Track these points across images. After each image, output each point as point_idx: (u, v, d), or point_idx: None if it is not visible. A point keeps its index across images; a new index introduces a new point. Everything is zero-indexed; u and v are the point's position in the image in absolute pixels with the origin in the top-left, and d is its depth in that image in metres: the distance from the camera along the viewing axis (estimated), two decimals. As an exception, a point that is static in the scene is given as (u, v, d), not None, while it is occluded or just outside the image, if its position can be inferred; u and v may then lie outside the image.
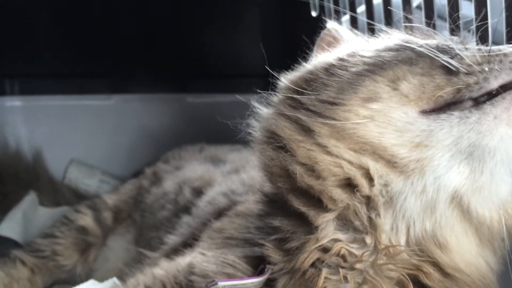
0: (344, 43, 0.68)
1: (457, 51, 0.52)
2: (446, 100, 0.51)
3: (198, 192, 0.97)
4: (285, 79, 0.61)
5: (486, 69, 0.50)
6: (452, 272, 0.52)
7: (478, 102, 0.50)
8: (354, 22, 1.11)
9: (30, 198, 1.30)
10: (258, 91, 0.61)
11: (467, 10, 0.78)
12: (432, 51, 0.52)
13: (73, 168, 1.48)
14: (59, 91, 1.50)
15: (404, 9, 0.92)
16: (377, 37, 0.63)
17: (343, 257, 0.52)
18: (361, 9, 1.10)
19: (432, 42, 0.57)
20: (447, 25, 0.78)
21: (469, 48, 0.54)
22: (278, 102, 0.59)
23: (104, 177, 1.49)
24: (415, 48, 0.54)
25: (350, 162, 0.52)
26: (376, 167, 0.51)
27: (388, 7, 0.92)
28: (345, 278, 0.52)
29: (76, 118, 1.49)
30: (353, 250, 0.52)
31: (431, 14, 0.84)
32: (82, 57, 1.49)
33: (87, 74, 1.52)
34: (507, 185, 0.53)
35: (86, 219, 1.17)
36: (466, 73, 0.51)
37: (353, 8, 1.11)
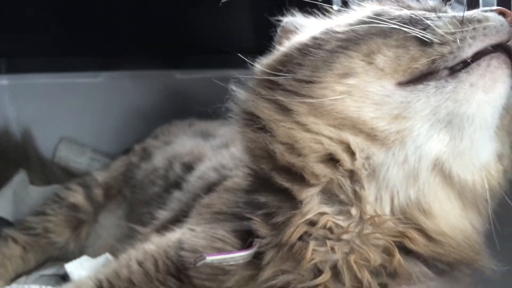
0: (304, 30, 0.67)
1: (429, 23, 0.52)
2: (422, 71, 0.51)
3: (188, 167, 0.97)
4: (261, 63, 0.61)
5: (459, 37, 0.50)
6: (437, 237, 0.53)
7: (454, 70, 0.51)
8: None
9: (20, 177, 1.30)
10: (250, 63, 0.61)
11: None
12: (402, 25, 0.52)
13: (63, 146, 1.48)
14: (46, 69, 1.48)
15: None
16: (350, 11, 0.63)
17: (330, 229, 0.53)
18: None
19: (405, 13, 0.56)
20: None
21: (442, 17, 0.53)
22: (255, 84, 0.59)
23: (94, 154, 1.48)
24: (386, 22, 0.53)
25: (330, 138, 0.52)
26: (356, 141, 0.52)
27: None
28: (332, 249, 0.53)
29: (64, 96, 1.48)
30: (339, 222, 0.53)
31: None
32: (70, 34, 1.47)
33: (75, 51, 1.50)
34: (487, 149, 0.54)
35: (77, 196, 1.17)
36: (440, 43, 0.51)
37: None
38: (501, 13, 0.52)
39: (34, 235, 1.11)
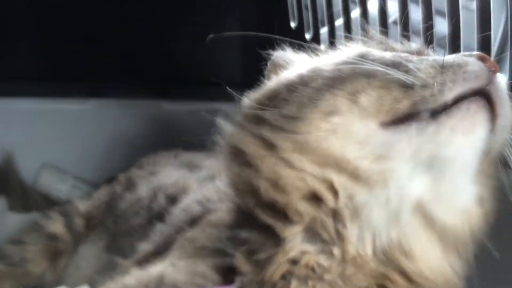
0: (293, 65, 0.69)
1: (410, 66, 0.53)
2: (404, 112, 0.51)
3: (172, 199, 0.97)
4: (249, 97, 0.61)
5: (440, 81, 0.51)
6: (418, 279, 0.53)
7: (435, 113, 0.51)
8: (332, 35, 1.13)
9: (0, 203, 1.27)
10: (238, 96, 0.62)
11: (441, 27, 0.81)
12: (385, 67, 0.53)
13: (45, 172, 1.45)
14: (32, 94, 1.46)
15: (382, 24, 0.94)
16: (337, 50, 0.65)
17: (312, 268, 0.53)
18: (339, 22, 1.12)
19: (388, 55, 0.58)
20: (421, 39, 0.80)
21: (423, 60, 0.55)
22: (242, 118, 0.59)
23: (76, 182, 1.46)
24: (370, 64, 0.54)
25: (314, 176, 0.52)
26: (340, 180, 0.52)
27: (365, 22, 0.94)
28: None
29: (49, 122, 1.46)
30: (322, 261, 0.53)
31: (407, 28, 0.85)
32: (58, 60, 1.46)
33: (62, 77, 1.49)
34: (468, 193, 0.54)
35: (56, 225, 1.15)
36: (421, 86, 0.51)
37: (331, 20, 1.13)
38: (481, 59, 0.54)
39: (11, 264, 1.08)
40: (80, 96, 1.49)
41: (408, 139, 0.51)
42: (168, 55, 1.52)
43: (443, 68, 0.52)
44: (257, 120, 0.57)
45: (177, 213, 0.89)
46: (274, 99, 0.57)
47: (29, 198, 1.37)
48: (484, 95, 0.51)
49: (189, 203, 0.89)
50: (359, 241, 0.53)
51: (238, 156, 0.56)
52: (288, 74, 0.62)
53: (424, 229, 0.53)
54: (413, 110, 0.51)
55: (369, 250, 0.53)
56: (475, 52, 0.55)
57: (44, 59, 1.47)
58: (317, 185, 0.52)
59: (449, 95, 0.51)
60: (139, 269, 0.71)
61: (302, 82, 0.57)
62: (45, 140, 1.45)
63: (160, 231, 0.88)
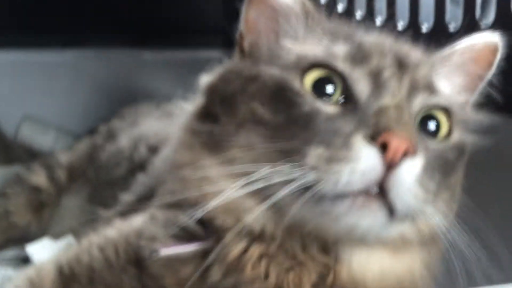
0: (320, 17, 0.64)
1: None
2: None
3: (154, 149, 0.96)
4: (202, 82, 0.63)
5: (325, 174, 0.47)
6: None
7: (325, 197, 0.48)
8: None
9: (-19, 157, 1.26)
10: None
11: None
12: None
13: (26, 125, 1.43)
14: (8, 46, 1.42)
15: None
16: None
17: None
18: None
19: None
20: None
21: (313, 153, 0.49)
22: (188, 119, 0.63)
23: (58, 134, 1.44)
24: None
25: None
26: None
27: None
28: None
29: (28, 74, 1.44)
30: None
31: None
32: (33, 10, 1.42)
33: (38, 28, 1.44)
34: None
35: (39, 178, 1.14)
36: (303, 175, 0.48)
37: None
38: (383, 145, 0.46)
39: (-5, 216, 1.08)
40: (57, 47, 1.46)
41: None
42: (147, 3, 1.47)
43: (330, 161, 0.47)
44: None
45: (159, 163, 0.89)
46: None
47: (11, 151, 1.36)
48: (380, 189, 0.46)
49: (170, 153, 0.89)
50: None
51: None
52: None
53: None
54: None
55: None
56: (382, 135, 0.46)
57: (18, 9, 1.42)
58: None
59: (335, 189, 0.47)
60: (120, 220, 0.72)
61: None
62: (24, 93, 1.43)
63: (141, 181, 0.88)
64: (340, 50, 0.54)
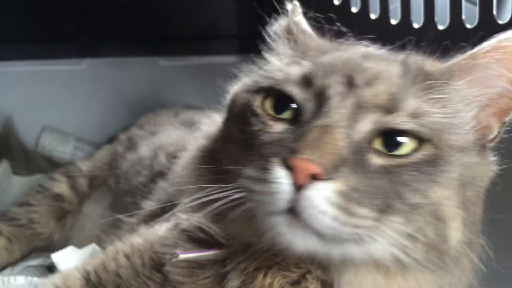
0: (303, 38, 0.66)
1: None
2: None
3: (173, 156, 0.97)
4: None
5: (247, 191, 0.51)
6: None
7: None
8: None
9: (3, 167, 1.28)
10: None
11: None
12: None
13: (46, 135, 1.45)
14: (27, 57, 1.45)
15: None
16: None
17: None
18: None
19: None
20: None
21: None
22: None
23: (78, 143, 1.46)
24: None
25: None
26: None
27: None
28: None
29: (46, 84, 1.45)
30: None
31: None
32: (50, 21, 1.44)
33: (55, 38, 1.47)
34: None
35: (61, 186, 1.16)
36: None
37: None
38: (293, 169, 0.46)
39: (19, 226, 1.10)
40: (74, 56, 1.47)
41: None
42: (162, 10, 1.48)
43: (254, 181, 0.49)
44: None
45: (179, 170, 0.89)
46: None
47: (31, 161, 1.38)
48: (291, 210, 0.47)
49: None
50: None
51: None
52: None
53: None
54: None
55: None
56: (291, 161, 0.47)
57: (35, 20, 1.44)
58: None
59: (262, 208, 0.49)
60: (146, 227, 0.73)
61: None
62: (42, 103, 1.45)
63: (163, 188, 0.89)
64: (294, 72, 0.55)
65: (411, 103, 0.51)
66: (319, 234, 0.48)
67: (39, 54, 1.45)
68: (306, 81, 0.53)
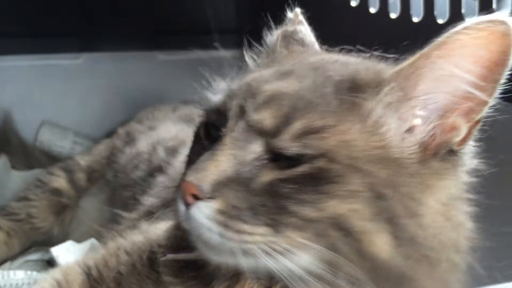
0: (306, 49, 0.66)
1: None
2: None
3: (172, 151, 0.97)
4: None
5: None
6: None
7: None
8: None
9: (2, 162, 1.28)
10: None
11: None
12: None
13: (45, 130, 1.45)
14: (26, 51, 1.45)
15: None
16: None
17: None
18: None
19: None
20: None
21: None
22: None
23: (77, 138, 1.46)
24: None
25: None
26: None
27: None
28: None
29: (44, 78, 1.45)
30: None
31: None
32: (48, 15, 1.44)
33: (54, 32, 1.46)
34: None
35: (59, 181, 1.16)
36: None
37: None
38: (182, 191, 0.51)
39: (18, 220, 1.10)
40: (73, 51, 1.47)
41: None
42: (161, 4, 1.48)
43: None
44: None
45: (179, 165, 0.90)
46: None
47: (30, 156, 1.38)
48: None
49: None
50: None
51: None
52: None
53: None
54: None
55: None
56: (181, 183, 0.52)
57: (34, 14, 1.44)
58: None
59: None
60: (147, 224, 0.73)
61: None
62: (41, 97, 1.45)
63: (162, 182, 0.89)
64: (214, 99, 0.58)
65: (298, 124, 0.50)
66: (215, 249, 0.51)
67: (37, 49, 1.45)
68: (222, 109, 0.56)
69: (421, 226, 0.51)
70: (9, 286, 0.90)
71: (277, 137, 0.50)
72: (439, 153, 0.53)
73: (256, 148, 0.51)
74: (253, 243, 0.49)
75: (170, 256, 0.59)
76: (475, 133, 0.55)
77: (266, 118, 0.52)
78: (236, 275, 0.54)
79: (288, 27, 0.69)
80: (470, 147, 0.56)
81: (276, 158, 0.51)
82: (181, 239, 0.60)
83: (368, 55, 0.62)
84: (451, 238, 0.54)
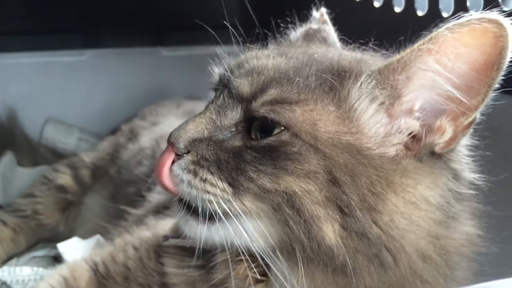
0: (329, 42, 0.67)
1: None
2: None
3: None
4: None
5: None
6: None
7: None
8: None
9: (8, 159, 1.29)
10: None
11: None
12: None
13: (50, 127, 1.46)
14: (30, 48, 1.45)
15: None
16: None
17: None
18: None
19: None
20: None
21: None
22: None
23: (82, 135, 1.47)
24: None
25: None
26: None
27: None
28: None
29: (49, 75, 1.45)
30: None
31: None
32: (53, 13, 1.44)
33: (57, 29, 1.46)
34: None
35: (64, 177, 1.16)
36: None
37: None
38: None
39: (24, 217, 1.11)
40: (76, 48, 1.47)
41: None
42: (164, 0, 1.47)
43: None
44: None
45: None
46: None
47: (36, 153, 1.38)
48: None
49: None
50: None
51: None
52: None
53: None
54: None
55: None
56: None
57: (38, 11, 1.44)
58: None
59: None
60: (155, 219, 0.75)
61: None
62: (46, 94, 1.45)
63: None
64: (216, 70, 0.63)
65: (272, 91, 0.53)
66: (189, 208, 0.55)
67: (42, 46, 1.45)
68: (218, 80, 0.61)
69: (377, 223, 0.50)
70: (16, 282, 0.91)
71: (252, 103, 0.54)
72: (420, 153, 0.52)
73: (235, 115, 0.55)
74: (214, 195, 0.52)
75: (172, 240, 0.60)
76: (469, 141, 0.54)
77: (245, 84, 0.55)
78: (234, 263, 0.56)
79: (312, 25, 0.71)
80: (461, 154, 0.54)
81: (249, 130, 0.54)
82: None
83: (381, 52, 0.62)
84: (416, 245, 0.51)
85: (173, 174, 0.54)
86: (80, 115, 1.47)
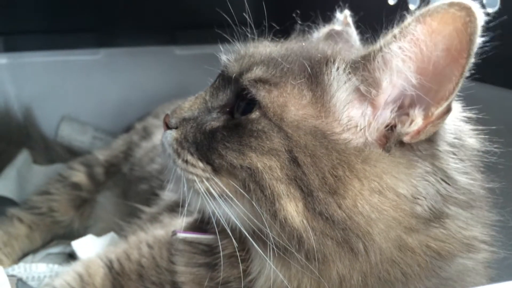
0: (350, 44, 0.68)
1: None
2: None
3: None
4: None
5: None
6: None
7: None
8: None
9: (23, 156, 1.30)
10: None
11: None
12: None
13: (65, 125, 1.47)
14: (45, 47, 1.46)
15: None
16: None
17: None
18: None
19: None
20: None
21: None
22: None
23: (96, 133, 1.48)
24: None
25: None
26: None
27: None
28: None
29: (64, 74, 1.47)
30: None
31: None
32: (67, 12, 1.45)
33: (72, 29, 1.48)
34: None
35: (79, 175, 1.18)
36: None
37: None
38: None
39: (39, 214, 1.12)
40: (91, 46, 1.48)
41: None
42: (176, 1, 1.48)
43: None
44: None
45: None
46: None
47: (51, 151, 1.40)
48: None
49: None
50: None
51: None
52: None
53: None
54: None
55: None
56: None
57: (53, 11, 1.45)
58: None
59: None
60: (169, 218, 0.75)
61: None
62: (61, 93, 1.46)
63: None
64: (223, 58, 0.65)
65: (256, 70, 0.56)
66: (174, 181, 0.58)
67: (56, 45, 1.46)
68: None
69: (340, 207, 0.50)
70: (32, 279, 0.92)
71: (239, 81, 0.57)
72: (389, 143, 0.51)
73: (224, 96, 0.59)
74: (195, 174, 0.56)
75: (180, 235, 0.62)
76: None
77: (234, 66, 0.59)
78: (236, 258, 0.57)
79: (335, 27, 0.72)
80: (445, 152, 0.52)
81: (233, 112, 0.57)
82: (196, 222, 0.63)
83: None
84: (387, 234, 0.51)
85: (163, 142, 0.60)
86: (94, 113, 1.49)
